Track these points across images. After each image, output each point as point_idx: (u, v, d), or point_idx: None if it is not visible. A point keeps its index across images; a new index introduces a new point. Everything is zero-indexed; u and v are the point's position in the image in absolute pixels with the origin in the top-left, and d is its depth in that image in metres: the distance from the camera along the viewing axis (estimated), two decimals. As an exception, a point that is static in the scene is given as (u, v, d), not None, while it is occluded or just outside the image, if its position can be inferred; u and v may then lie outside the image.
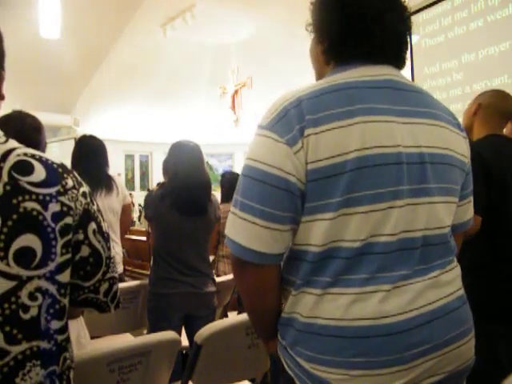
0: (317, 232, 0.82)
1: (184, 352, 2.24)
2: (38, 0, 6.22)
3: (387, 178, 0.82)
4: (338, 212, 0.81)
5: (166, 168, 2.31)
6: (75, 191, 0.81)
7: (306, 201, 0.82)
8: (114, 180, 2.71)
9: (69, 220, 0.78)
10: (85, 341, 1.74)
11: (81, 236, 0.81)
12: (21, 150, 0.77)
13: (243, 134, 8.81)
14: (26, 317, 0.72)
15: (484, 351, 1.49)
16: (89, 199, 0.84)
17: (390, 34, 0.91)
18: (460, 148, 0.95)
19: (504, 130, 1.84)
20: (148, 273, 2.56)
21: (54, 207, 0.76)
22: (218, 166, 13.70)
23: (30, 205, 0.73)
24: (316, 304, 0.83)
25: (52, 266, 0.75)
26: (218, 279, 2.42)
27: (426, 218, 0.86)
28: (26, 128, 1.52)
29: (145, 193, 2.70)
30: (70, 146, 3.32)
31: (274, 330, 0.93)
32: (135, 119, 11.40)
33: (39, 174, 0.76)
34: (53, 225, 0.75)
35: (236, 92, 10.38)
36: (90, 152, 2.60)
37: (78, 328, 1.69)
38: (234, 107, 10.50)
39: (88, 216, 0.83)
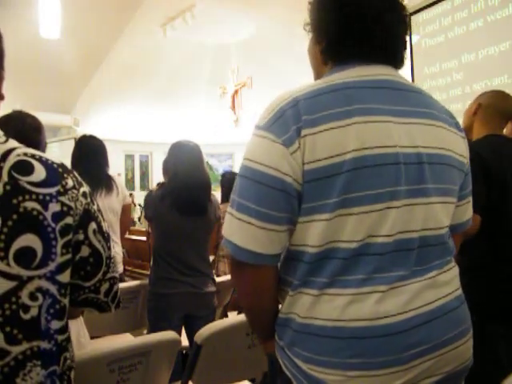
0: (314, 233, 0.82)
1: (184, 352, 2.24)
2: (37, 0, 6.22)
3: (384, 179, 0.82)
4: (335, 213, 0.80)
5: (166, 168, 2.31)
6: (75, 191, 0.81)
7: (303, 201, 0.82)
8: (114, 180, 2.71)
9: (69, 220, 0.78)
10: (84, 340, 1.74)
11: (81, 236, 0.81)
12: (21, 150, 0.77)
13: (243, 133, 8.78)
14: (27, 317, 0.72)
15: (484, 351, 1.50)
16: (89, 199, 0.84)
17: (390, 34, 0.91)
18: (458, 148, 0.95)
19: (504, 130, 1.84)
20: (148, 273, 2.56)
21: (55, 207, 0.76)
22: (218, 165, 13.69)
23: (30, 205, 0.73)
24: (313, 304, 0.83)
25: (52, 266, 0.75)
26: (218, 279, 2.42)
27: (423, 218, 0.86)
28: (26, 128, 1.52)
29: (145, 193, 2.69)
30: (70, 146, 3.33)
31: (272, 331, 0.92)
32: (135, 119, 11.40)
33: (39, 173, 0.76)
34: (53, 225, 0.75)
35: (236, 92, 10.37)
36: (90, 152, 2.60)
37: (77, 328, 1.69)
38: (233, 107, 10.49)
39: (88, 216, 0.83)
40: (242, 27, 9.25)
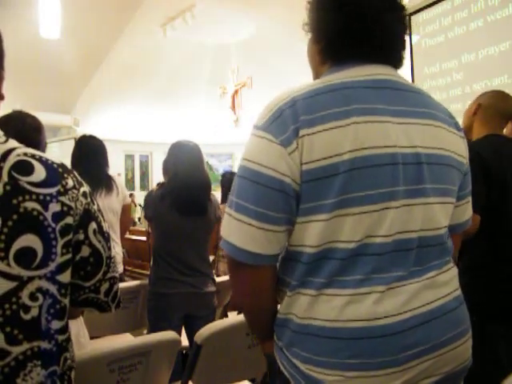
0: (312, 233, 0.82)
1: (184, 352, 2.24)
2: (37, 0, 6.22)
3: (382, 179, 0.82)
4: (333, 213, 0.80)
5: (166, 168, 2.30)
6: (75, 191, 0.81)
7: (301, 202, 0.82)
8: (114, 180, 2.71)
9: (69, 220, 0.78)
10: (84, 340, 1.74)
11: (81, 236, 0.81)
12: (21, 150, 0.77)
13: (243, 133, 8.78)
14: (27, 317, 0.72)
15: (484, 351, 1.50)
16: (89, 199, 0.84)
17: (389, 34, 0.91)
18: (457, 148, 0.94)
19: (504, 130, 1.84)
20: (148, 273, 2.56)
21: (55, 207, 0.76)
22: (218, 165, 13.69)
23: (30, 205, 0.73)
24: (311, 305, 0.83)
25: (52, 266, 0.75)
26: (217, 279, 2.42)
27: (421, 218, 0.86)
28: (26, 128, 1.52)
29: (145, 193, 2.70)
30: (70, 146, 3.32)
31: (271, 331, 0.92)
32: (135, 119, 11.40)
33: (39, 173, 0.76)
34: (53, 225, 0.75)
35: (236, 92, 10.38)
36: (90, 152, 2.60)
37: (77, 327, 1.69)
38: (233, 107, 10.50)
39: (88, 216, 0.83)
40: (241, 27, 9.25)
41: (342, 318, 0.80)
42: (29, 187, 0.74)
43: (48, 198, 0.75)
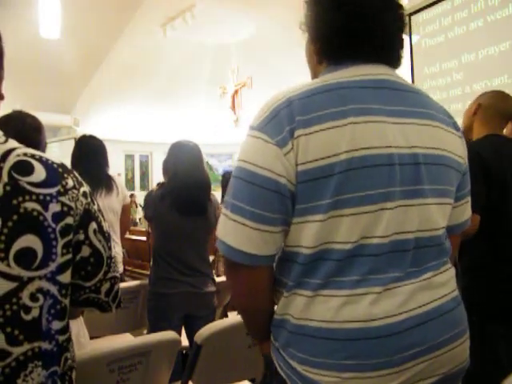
0: (308, 234, 0.82)
1: (184, 352, 2.24)
2: (37, 0, 6.22)
3: (378, 180, 0.81)
4: (328, 214, 0.80)
5: (166, 168, 2.31)
6: (76, 191, 0.81)
7: (297, 202, 0.82)
8: (114, 180, 2.71)
9: (69, 220, 0.78)
10: (84, 340, 1.75)
11: (81, 236, 0.81)
12: (21, 150, 0.77)
13: (243, 134, 8.73)
14: (28, 318, 0.72)
15: (484, 351, 1.50)
16: (89, 199, 0.84)
17: (387, 33, 0.90)
18: (456, 148, 0.94)
19: (504, 131, 1.84)
20: (148, 273, 2.56)
21: (55, 207, 0.76)
22: (218, 166, 13.68)
23: (30, 205, 0.73)
24: (307, 306, 0.82)
25: (53, 266, 0.75)
26: (217, 279, 2.42)
27: (418, 219, 0.85)
28: (26, 128, 1.52)
29: (145, 193, 2.70)
30: (70, 146, 3.32)
31: (268, 332, 0.92)
32: (135, 119, 11.40)
33: (39, 174, 0.76)
34: (53, 225, 0.75)
35: (236, 92, 10.37)
36: (90, 152, 2.60)
37: (77, 328, 1.69)
38: (234, 107, 10.49)
39: (89, 216, 0.83)
40: (242, 27, 9.24)
41: (339, 319, 0.80)
42: (29, 187, 0.74)
43: (48, 198, 0.75)
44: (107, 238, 0.87)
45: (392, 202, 0.82)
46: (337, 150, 0.79)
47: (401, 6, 0.93)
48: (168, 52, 9.61)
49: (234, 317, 2.25)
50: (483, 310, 1.56)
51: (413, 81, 3.78)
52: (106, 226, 0.88)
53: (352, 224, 0.80)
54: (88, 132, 2.97)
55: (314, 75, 0.98)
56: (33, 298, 0.72)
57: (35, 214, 0.73)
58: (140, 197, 8.83)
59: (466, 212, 1.03)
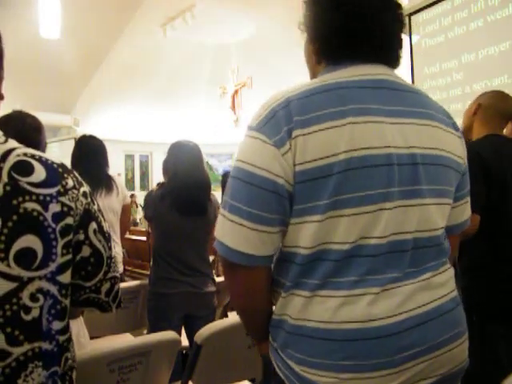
0: (305, 234, 0.82)
1: (184, 352, 2.24)
2: (37, 0, 6.22)
3: (377, 180, 0.81)
4: (326, 214, 0.80)
5: (166, 168, 2.31)
6: (76, 191, 0.81)
7: (295, 203, 0.82)
8: (114, 180, 2.71)
9: (69, 220, 0.78)
10: (84, 340, 1.75)
11: (81, 236, 0.81)
12: (21, 150, 0.77)
13: (243, 134, 8.77)
14: (28, 318, 0.72)
15: (484, 351, 1.50)
16: (89, 199, 0.84)
17: (386, 33, 0.90)
18: (455, 148, 0.94)
19: (504, 131, 1.84)
20: (148, 273, 2.56)
21: (55, 207, 0.76)
22: (217, 166, 13.68)
23: (30, 205, 0.73)
24: (305, 306, 0.82)
25: (53, 266, 0.75)
26: (217, 279, 2.42)
27: (417, 220, 0.85)
28: (26, 128, 1.52)
29: (145, 193, 2.71)
30: (70, 146, 3.32)
31: (266, 332, 0.92)
32: (135, 119, 11.40)
33: (39, 174, 0.76)
34: (53, 225, 0.75)
35: (236, 92, 10.37)
36: (90, 152, 2.60)
37: (77, 328, 1.69)
38: (233, 107, 10.49)
39: (89, 216, 0.83)
40: (241, 27, 9.24)
41: (336, 320, 0.80)
42: (29, 188, 0.74)
43: (48, 198, 0.75)
44: (107, 238, 0.87)
45: (391, 202, 0.82)
46: (336, 150, 0.79)
47: (400, 6, 0.93)
48: (168, 52, 9.61)
49: (233, 317, 2.25)
50: (483, 310, 1.56)
51: (413, 81, 3.78)
52: (106, 226, 0.88)
53: (350, 224, 0.80)
54: (88, 132, 2.97)
55: (313, 75, 0.98)
56: (33, 298, 0.72)
57: (35, 214, 0.73)
58: (140, 197, 8.83)
59: (465, 212, 1.03)
